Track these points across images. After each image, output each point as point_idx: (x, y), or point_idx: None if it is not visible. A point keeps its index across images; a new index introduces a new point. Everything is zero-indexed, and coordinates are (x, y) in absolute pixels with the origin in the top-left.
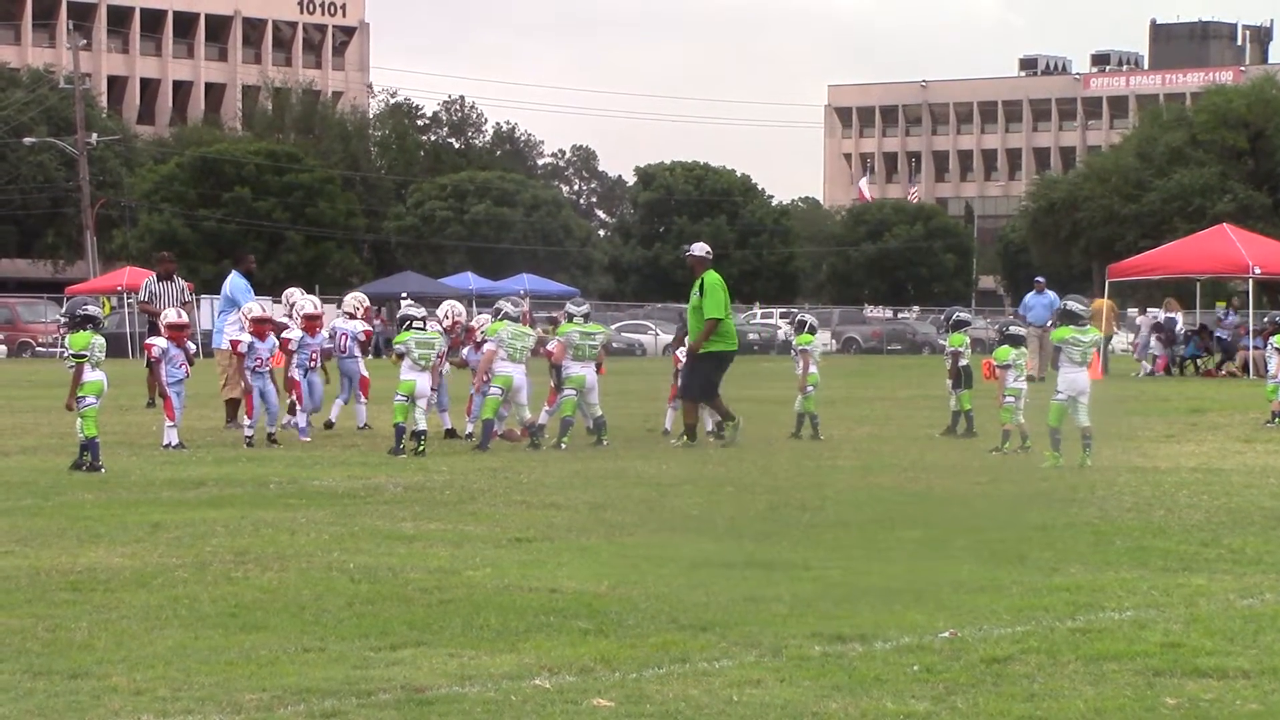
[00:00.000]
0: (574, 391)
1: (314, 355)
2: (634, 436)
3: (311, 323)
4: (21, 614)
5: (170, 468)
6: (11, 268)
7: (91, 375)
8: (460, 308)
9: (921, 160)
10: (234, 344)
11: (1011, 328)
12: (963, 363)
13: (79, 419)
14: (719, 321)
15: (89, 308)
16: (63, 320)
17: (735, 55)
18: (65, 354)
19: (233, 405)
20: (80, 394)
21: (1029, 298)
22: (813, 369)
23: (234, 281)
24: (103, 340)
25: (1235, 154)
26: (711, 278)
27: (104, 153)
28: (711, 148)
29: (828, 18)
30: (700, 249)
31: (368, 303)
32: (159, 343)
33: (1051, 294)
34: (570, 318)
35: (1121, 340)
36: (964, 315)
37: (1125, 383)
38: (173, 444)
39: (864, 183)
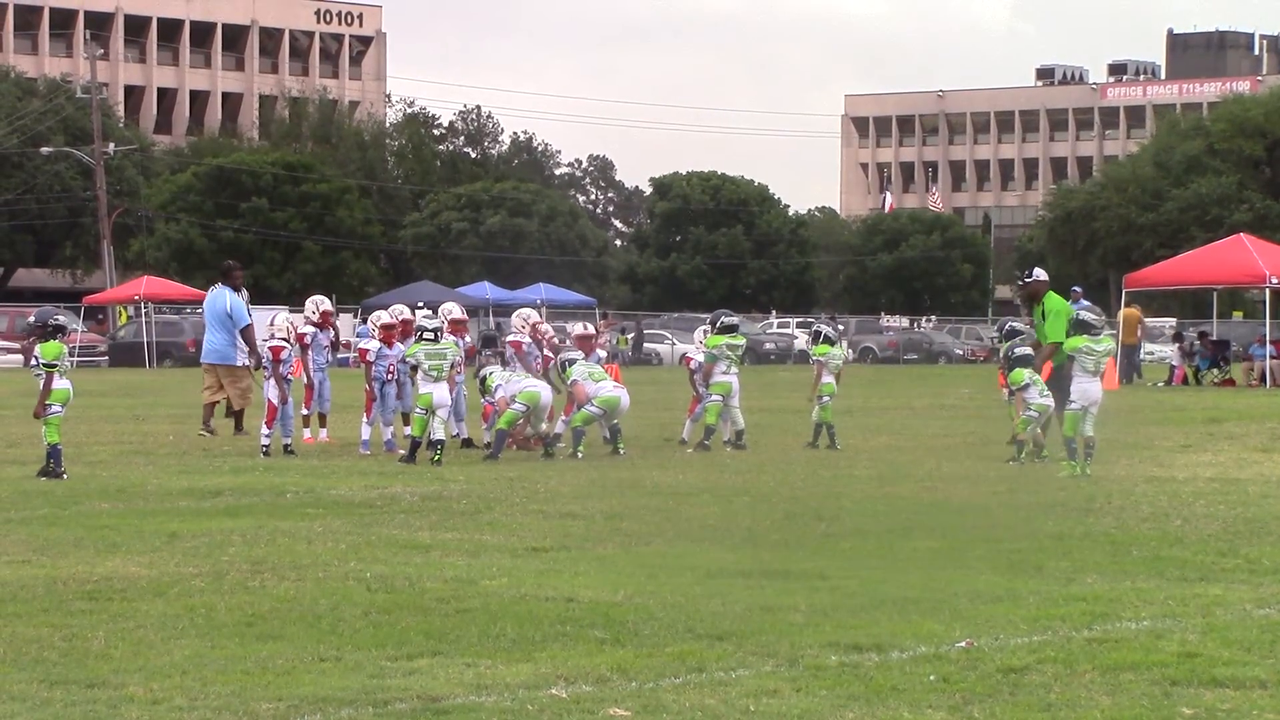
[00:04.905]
0: (601, 411)
1: (391, 367)
2: (650, 446)
3: (389, 333)
4: (39, 623)
5: (187, 477)
6: (29, 278)
7: (59, 384)
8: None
9: (938, 170)
10: (362, 352)
11: (1017, 350)
12: None
13: (44, 426)
14: (1059, 345)
15: (59, 317)
16: (31, 327)
17: (750, 64)
18: (36, 363)
19: (231, 413)
20: (48, 402)
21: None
22: (827, 379)
23: (234, 299)
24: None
25: (1252, 163)
26: (1054, 302)
27: (121, 162)
28: (728, 157)
29: (829, 22)
30: (1041, 273)
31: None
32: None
33: (1087, 304)
34: (572, 363)
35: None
36: (1018, 325)
37: (1142, 392)
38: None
39: (889, 195)
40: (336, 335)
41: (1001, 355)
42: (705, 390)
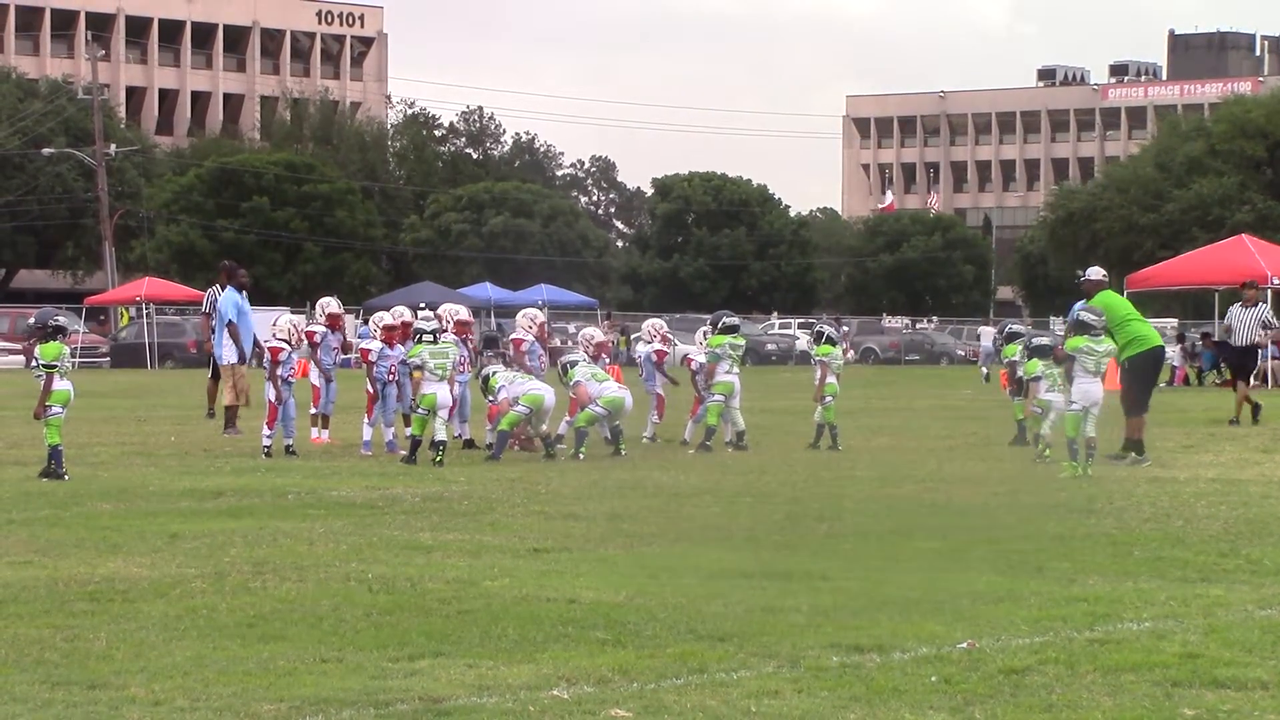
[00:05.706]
0: (605, 412)
1: (393, 368)
2: (652, 447)
3: (391, 334)
4: (40, 624)
5: (189, 478)
6: (31, 279)
7: (59, 385)
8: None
9: (939, 171)
10: (364, 352)
11: (1035, 340)
12: (1020, 373)
13: (45, 427)
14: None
15: (59, 318)
16: (32, 328)
17: (750, 64)
18: (36, 364)
19: (231, 412)
20: (48, 403)
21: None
22: (831, 379)
23: (225, 298)
24: (67, 350)
25: (1254, 164)
26: (1102, 301)
27: (122, 163)
28: (728, 158)
29: (829, 22)
30: (1095, 273)
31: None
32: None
33: (1085, 304)
34: (574, 364)
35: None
36: (1017, 327)
37: None
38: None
39: (889, 195)
40: (344, 337)
41: (1004, 358)
42: (707, 391)
